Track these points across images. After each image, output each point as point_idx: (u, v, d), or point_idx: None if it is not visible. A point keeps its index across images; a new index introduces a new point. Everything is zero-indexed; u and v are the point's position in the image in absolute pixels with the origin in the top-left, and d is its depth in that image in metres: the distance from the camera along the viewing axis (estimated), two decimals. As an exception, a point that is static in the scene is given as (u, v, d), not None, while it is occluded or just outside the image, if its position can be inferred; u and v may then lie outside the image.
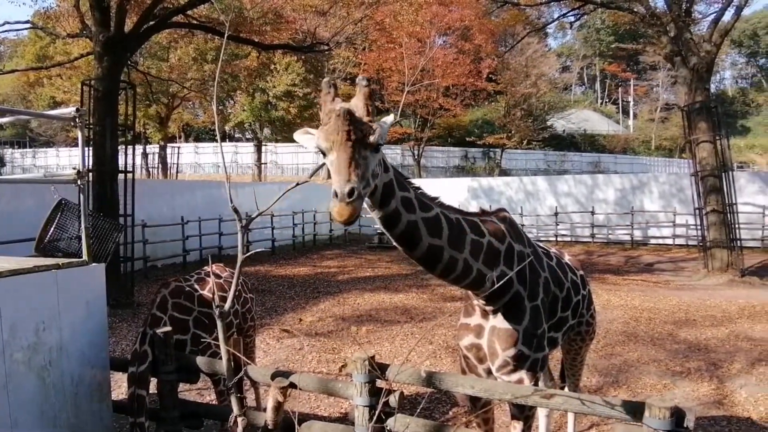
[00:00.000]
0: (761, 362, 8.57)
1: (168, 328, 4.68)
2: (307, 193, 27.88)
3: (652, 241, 24.79)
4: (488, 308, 3.60)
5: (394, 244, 3.13)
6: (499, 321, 3.59)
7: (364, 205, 2.73)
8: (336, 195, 2.49)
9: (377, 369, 3.72)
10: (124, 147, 14.37)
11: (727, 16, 17.90)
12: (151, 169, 40.79)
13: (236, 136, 57.37)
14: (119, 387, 7.34)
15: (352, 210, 2.50)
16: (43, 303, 4.39)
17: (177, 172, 42.23)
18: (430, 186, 30.52)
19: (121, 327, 11.02)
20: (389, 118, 2.88)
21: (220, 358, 3.65)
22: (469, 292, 3.62)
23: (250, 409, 4.85)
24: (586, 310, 4.74)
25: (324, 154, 2.69)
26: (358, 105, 2.70)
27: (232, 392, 3.58)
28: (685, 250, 22.57)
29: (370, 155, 2.64)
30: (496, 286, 3.35)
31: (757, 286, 15.37)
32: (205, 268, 5.81)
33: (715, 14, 18.21)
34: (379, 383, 3.77)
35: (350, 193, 2.46)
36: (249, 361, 5.85)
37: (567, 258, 4.77)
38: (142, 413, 4.48)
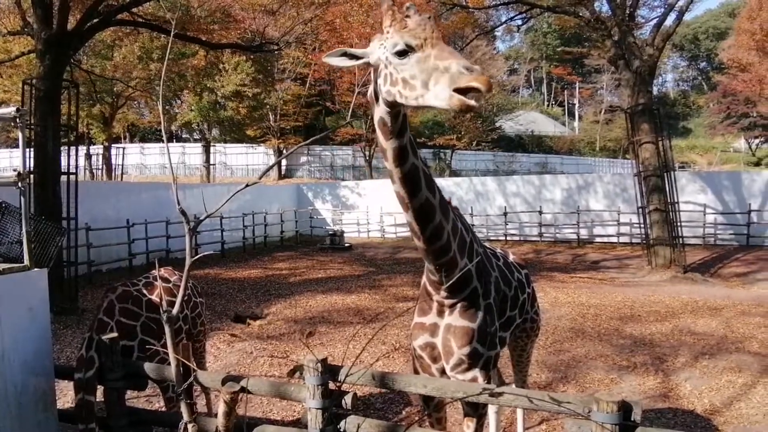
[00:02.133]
0: (704, 356, 8.87)
1: (114, 335, 4.56)
2: (258, 195, 27.64)
3: (598, 239, 25.37)
4: (447, 302, 3.60)
5: (397, 187, 3.14)
6: (454, 319, 3.61)
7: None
8: (470, 70, 2.46)
9: (330, 371, 3.70)
10: (66, 148, 13.93)
11: (669, 20, 18.53)
12: (95, 171, 39.71)
13: (184, 136, 56.35)
14: (65, 395, 7.12)
15: (487, 81, 2.45)
16: (-19, 310, 4.23)
17: (122, 173, 41.18)
18: (381, 186, 30.70)
19: (65, 334, 10.68)
20: None
21: (169, 364, 3.57)
22: (429, 288, 3.63)
23: (201, 415, 4.76)
24: (530, 307, 4.86)
25: (402, 54, 2.72)
26: None
27: (181, 398, 3.51)
28: (630, 247, 23.19)
29: None
30: (461, 272, 3.41)
31: (699, 282, 15.91)
32: (153, 272, 5.68)
33: (657, 19, 18.80)
34: (332, 385, 3.75)
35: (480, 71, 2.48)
36: (199, 367, 5.78)
37: (512, 257, 4.87)
38: (91, 420, 4.35)
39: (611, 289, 14.90)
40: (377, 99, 2.97)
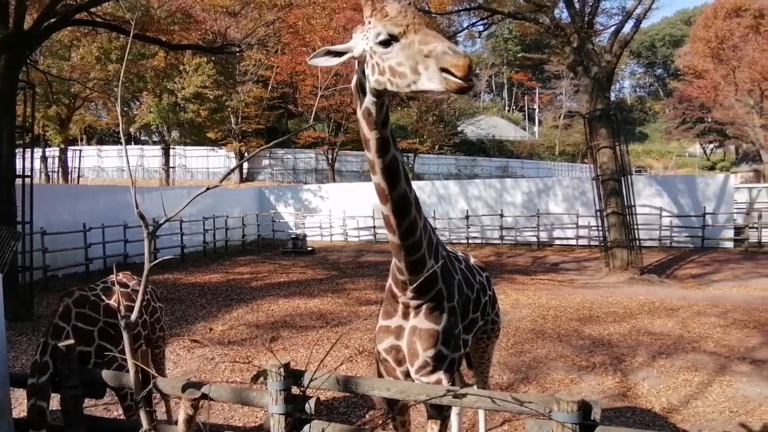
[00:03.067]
0: (661, 355, 9.08)
1: (71, 341, 4.44)
2: (218, 198, 27.33)
3: (557, 242, 25.77)
4: (413, 303, 3.60)
5: (378, 179, 3.14)
6: (419, 321, 3.62)
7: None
8: (455, 52, 2.48)
9: (292, 376, 3.68)
10: (21, 150, 13.57)
11: (627, 28, 18.99)
12: (50, 174, 38.74)
13: (143, 138, 55.39)
14: (20, 404, 6.91)
15: (470, 62, 2.46)
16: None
17: (79, 176, 40.29)
18: (345, 190, 30.67)
19: (20, 341, 10.38)
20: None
21: (127, 371, 3.50)
22: (395, 289, 3.64)
23: (161, 422, 4.69)
24: (491, 309, 4.91)
25: (386, 44, 2.74)
26: None
27: (140, 406, 3.44)
28: (588, 250, 23.59)
29: None
30: (429, 272, 3.42)
31: (655, 283, 16.27)
32: (111, 277, 5.56)
33: (615, 26, 19.26)
34: (295, 390, 3.73)
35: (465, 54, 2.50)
36: (158, 374, 5.67)
37: (473, 260, 4.92)
38: (44, 426, 4.24)
39: (570, 291, 15.14)
40: (363, 90, 2.99)
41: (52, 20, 14.26)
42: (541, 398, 3.20)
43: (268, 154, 47.80)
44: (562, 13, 22.56)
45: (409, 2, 2.76)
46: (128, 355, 3.25)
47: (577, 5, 18.25)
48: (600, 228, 18.58)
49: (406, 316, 3.69)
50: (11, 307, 11.05)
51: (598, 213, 18.41)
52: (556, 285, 16.39)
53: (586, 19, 18.31)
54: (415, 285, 3.46)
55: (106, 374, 4.33)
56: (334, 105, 42.32)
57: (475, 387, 5.50)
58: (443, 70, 2.48)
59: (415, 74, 2.63)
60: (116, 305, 5.01)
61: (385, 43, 2.75)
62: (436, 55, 2.52)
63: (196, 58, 36.59)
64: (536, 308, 12.83)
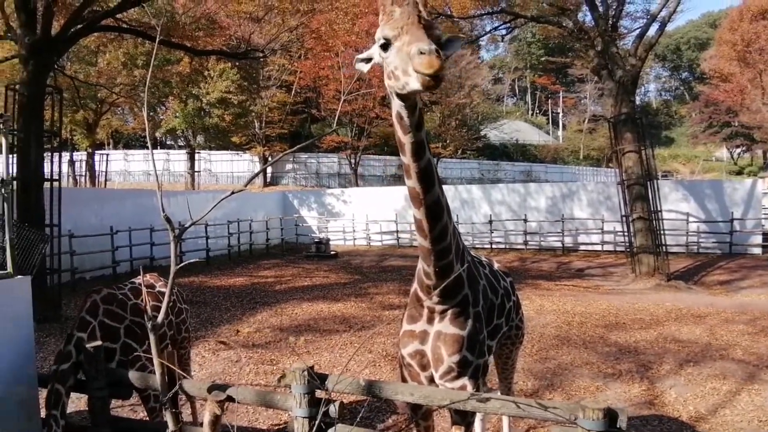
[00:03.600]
0: (689, 363, 8.93)
1: (98, 342, 4.51)
2: (243, 202, 27.54)
3: (582, 247, 25.54)
4: (438, 308, 3.57)
5: (413, 183, 3.13)
6: (444, 326, 3.59)
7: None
8: (422, 52, 2.49)
9: (316, 379, 3.69)
10: (49, 154, 13.80)
11: (652, 31, 18.76)
12: (78, 177, 39.35)
13: (168, 143, 56.01)
14: (45, 405, 7.03)
15: (441, 63, 2.47)
16: (-37, 318, 4.17)
17: (105, 180, 40.86)
18: (368, 194, 30.72)
19: (48, 342, 10.55)
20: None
21: (152, 372, 3.53)
22: (420, 294, 3.62)
23: (187, 424, 4.71)
24: (515, 315, 4.86)
25: (385, 49, 2.78)
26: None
27: (167, 407, 3.47)
28: (614, 255, 23.34)
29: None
30: (454, 276, 3.39)
31: (682, 289, 16.03)
32: (138, 278, 5.64)
33: (640, 29, 19.05)
34: (319, 393, 3.73)
35: (437, 51, 2.49)
36: (184, 375, 5.75)
37: (497, 265, 4.87)
38: (57, 407, 4.27)
39: (596, 297, 14.97)
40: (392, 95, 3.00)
41: (79, 26, 14.51)
42: (566, 405, 3.17)
43: (291, 159, 48.09)
44: (585, 17, 22.41)
45: (409, 2, 2.72)
46: (154, 356, 3.28)
47: (600, 8, 18.10)
48: (626, 233, 18.35)
49: (431, 320, 3.66)
50: (40, 309, 11.21)
51: (624, 218, 18.19)
52: (582, 291, 16.23)
53: (610, 22, 18.14)
54: (440, 288, 3.42)
55: (132, 375, 4.38)
56: (357, 109, 42.48)
57: (498, 393, 5.47)
58: (416, 71, 2.51)
59: (405, 76, 2.64)
60: (143, 305, 5.07)
61: (385, 47, 2.79)
62: (411, 57, 2.53)
63: (220, 64, 36.96)
64: (561, 314, 12.71)
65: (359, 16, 26.92)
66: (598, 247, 24.96)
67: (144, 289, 5.16)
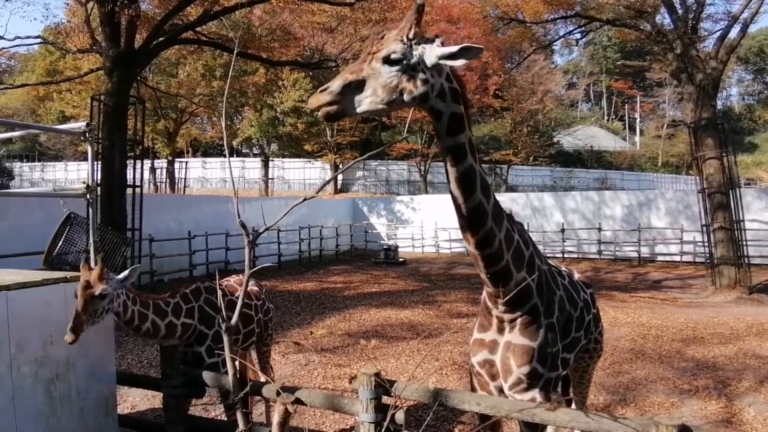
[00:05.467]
0: (770, 381, 8.49)
1: (175, 341, 4.70)
2: (314, 209, 28.01)
3: (660, 258, 24.69)
4: (506, 317, 3.54)
5: (453, 187, 3.17)
6: (514, 336, 3.54)
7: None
8: (320, 90, 2.79)
9: (384, 384, 3.71)
10: (132, 161, 14.46)
11: (733, 33, 17.95)
12: (158, 184, 41.01)
13: (243, 151, 57.64)
14: (125, 401, 7.36)
15: (319, 102, 2.74)
16: (50, 316, 4.41)
17: (184, 186, 42.44)
18: (437, 201, 30.67)
19: (126, 341, 11.02)
20: (436, 47, 2.87)
21: (225, 372, 3.64)
22: (488, 302, 3.60)
23: (257, 424, 4.83)
24: (595, 328, 4.69)
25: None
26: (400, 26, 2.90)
27: (237, 407, 3.58)
28: (693, 267, 22.46)
29: (384, 69, 2.77)
30: (518, 288, 3.35)
31: (765, 303, 15.26)
32: (233, 277, 6.06)
33: (721, 31, 18.25)
34: (385, 399, 3.76)
35: (325, 89, 2.75)
36: (263, 371, 6.02)
37: (577, 276, 4.74)
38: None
39: (673, 310, 14.43)
40: None
41: (161, 39, 15.14)
42: (639, 421, 3.08)
43: (361, 166, 48.57)
44: (663, 19, 21.65)
45: (378, 30, 2.89)
46: (227, 357, 3.39)
47: (679, 10, 17.49)
48: (706, 244, 17.61)
49: (500, 330, 3.62)
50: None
51: (704, 228, 17.46)
52: (658, 303, 15.67)
53: (690, 24, 17.49)
54: (506, 298, 3.39)
55: (206, 375, 4.53)
56: (427, 117, 42.38)
57: (572, 407, 5.35)
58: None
59: None
60: (234, 300, 5.37)
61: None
62: None
63: (293, 74, 37.78)
64: (636, 327, 12.31)
65: (430, 23, 26.98)
66: (677, 258, 24.06)
67: (242, 289, 5.45)
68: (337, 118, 2.85)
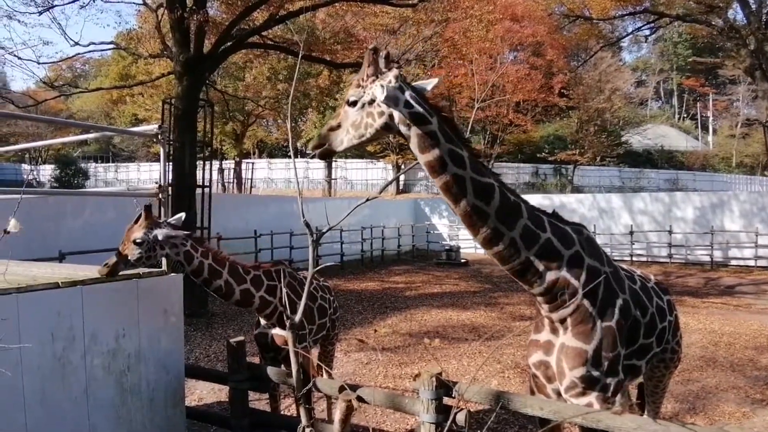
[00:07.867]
0: None
1: (241, 338, 4.83)
2: (376, 209, 28.13)
3: (733, 262, 23.69)
4: (553, 316, 3.52)
5: (441, 195, 3.39)
6: (568, 338, 3.50)
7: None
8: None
9: (444, 386, 3.71)
10: (201, 162, 14.90)
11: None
12: (226, 184, 42.10)
13: (308, 152, 58.42)
14: (192, 393, 7.59)
15: (311, 143, 3.41)
16: (123, 310, 4.60)
17: (251, 186, 43.37)
18: (500, 203, 30.31)
19: (195, 336, 11.37)
20: (379, 83, 3.21)
21: (289, 368, 3.71)
22: (540, 301, 3.58)
23: (319, 420, 4.91)
24: (671, 336, 4.52)
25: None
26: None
27: (300, 403, 3.64)
28: (769, 272, 21.47)
29: (350, 110, 3.30)
30: (545, 285, 3.46)
31: None
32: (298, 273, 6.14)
33: (799, 26, 17.43)
34: (446, 400, 3.75)
35: (318, 134, 3.41)
36: (327, 368, 6.12)
37: (653, 282, 4.57)
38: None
39: (747, 317, 13.84)
40: None
41: (228, 44, 15.52)
42: (708, 429, 2.97)
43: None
44: (736, 14, 20.86)
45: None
46: (291, 354, 3.45)
47: (753, 5, 16.79)
48: (784, 247, 16.81)
49: (554, 331, 3.60)
50: (188, 305, 12.05)
51: (782, 231, 16.68)
52: (731, 309, 15.05)
53: (764, 19, 16.76)
54: (537, 293, 3.52)
55: (270, 371, 4.63)
56: (490, 117, 42.11)
57: (645, 415, 5.20)
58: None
59: None
60: (314, 292, 5.66)
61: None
62: None
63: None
64: (707, 334, 11.87)
65: (493, 22, 26.73)
66: (751, 263, 23.04)
67: (307, 285, 5.58)
68: (328, 155, 3.44)
